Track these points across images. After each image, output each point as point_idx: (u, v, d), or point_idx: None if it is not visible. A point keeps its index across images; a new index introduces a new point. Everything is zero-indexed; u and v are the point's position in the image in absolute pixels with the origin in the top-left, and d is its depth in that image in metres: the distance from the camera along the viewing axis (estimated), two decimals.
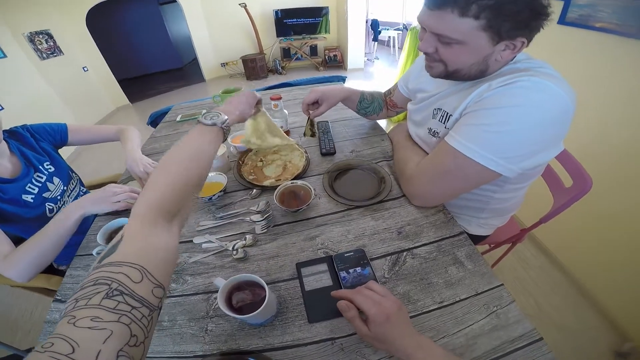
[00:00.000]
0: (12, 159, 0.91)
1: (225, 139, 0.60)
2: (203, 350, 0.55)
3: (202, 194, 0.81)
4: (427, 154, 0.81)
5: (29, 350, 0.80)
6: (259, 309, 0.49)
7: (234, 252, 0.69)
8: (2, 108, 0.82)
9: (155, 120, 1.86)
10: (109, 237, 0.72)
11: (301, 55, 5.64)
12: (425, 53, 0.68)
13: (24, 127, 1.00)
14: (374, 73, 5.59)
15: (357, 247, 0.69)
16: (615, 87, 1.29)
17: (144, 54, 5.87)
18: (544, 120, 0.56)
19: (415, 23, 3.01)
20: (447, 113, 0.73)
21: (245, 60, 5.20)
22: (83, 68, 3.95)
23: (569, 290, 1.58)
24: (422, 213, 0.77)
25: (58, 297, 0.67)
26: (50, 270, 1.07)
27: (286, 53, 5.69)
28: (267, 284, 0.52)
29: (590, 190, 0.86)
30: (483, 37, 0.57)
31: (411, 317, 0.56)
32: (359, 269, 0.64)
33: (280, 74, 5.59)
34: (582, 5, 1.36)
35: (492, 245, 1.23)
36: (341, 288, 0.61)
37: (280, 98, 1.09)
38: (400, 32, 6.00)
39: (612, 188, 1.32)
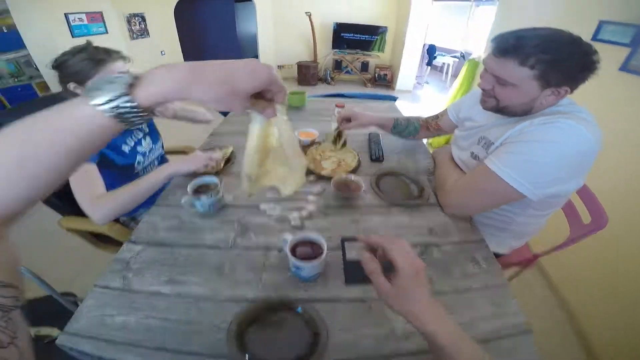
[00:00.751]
0: None
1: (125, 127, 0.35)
2: (255, 296, 0.66)
3: None
4: (465, 173, 0.94)
5: (66, 294, 0.95)
6: (318, 260, 0.64)
7: (294, 220, 0.86)
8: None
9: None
10: (196, 190, 0.88)
11: (351, 70, 5.86)
12: (483, 89, 0.82)
13: None
14: (421, 97, 5.67)
15: (394, 234, 0.83)
16: None
17: (212, 46, 6.37)
18: (569, 157, 0.68)
19: (474, 54, 3.11)
20: (490, 141, 0.86)
21: (300, 66, 5.53)
22: (161, 52, 4.45)
23: (564, 327, 1.61)
24: (452, 220, 0.90)
25: (132, 240, 0.80)
26: None
27: (337, 65, 5.95)
28: None
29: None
30: (534, 84, 0.70)
31: None
32: None
33: (329, 84, 5.84)
34: None
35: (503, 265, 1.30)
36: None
37: (343, 106, 1.27)
38: (457, 59, 6.04)
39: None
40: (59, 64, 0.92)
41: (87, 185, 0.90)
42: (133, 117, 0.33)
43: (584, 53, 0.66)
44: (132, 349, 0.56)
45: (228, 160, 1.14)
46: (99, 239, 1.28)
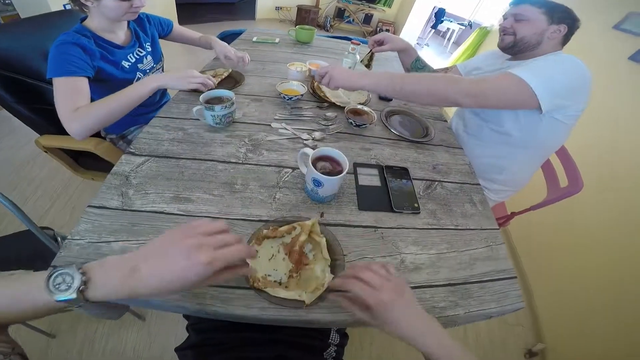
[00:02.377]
0: (127, 33, 1.08)
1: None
2: (269, 216, 0.63)
3: (283, 92, 0.97)
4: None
5: (45, 228, 0.83)
6: (340, 176, 0.62)
7: (307, 141, 0.86)
8: None
9: (223, 39, 1.97)
10: (208, 101, 0.83)
11: (353, 20, 5.56)
12: (503, 30, 0.99)
13: (142, 13, 1.16)
14: None
15: (402, 166, 0.86)
16: None
17: None
18: (579, 69, 0.80)
19: (484, 23, 3.01)
20: None
21: (300, 10, 5.17)
22: None
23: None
24: (453, 160, 0.94)
25: (131, 150, 0.74)
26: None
27: (340, 13, 5.61)
28: None
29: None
30: (543, 18, 0.91)
31: (434, 229, 0.70)
32: (403, 181, 0.81)
33: (327, 30, 5.54)
34: None
35: None
36: (388, 191, 0.76)
37: (359, 44, 1.23)
38: (463, 27, 5.85)
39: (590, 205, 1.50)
40: None
41: (71, 97, 0.85)
42: (80, 306, 0.35)
43: (568, 8, 0.92)
44: None
45: (237, 82, 1.10)
46: (80, 162, 1.22)
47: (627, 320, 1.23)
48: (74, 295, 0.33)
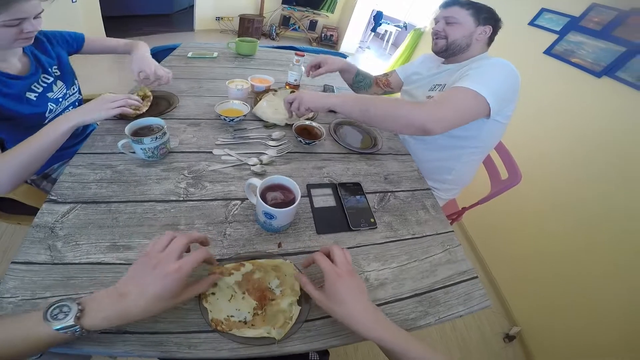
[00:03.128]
0: (23, 59, 0.91)
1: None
2: (221, 254, 0.59)
3: (224, 114, 0.91)
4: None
5: None
6: (292, 207, 0.59)
7: (254, 166, 0.80)
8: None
9: (154, 55, 1.82)
10: (136, 133, 0.75)
11: (299, 27, 5.58)
12: (435, 33, 1.03)
13: (41, 32, 0.99)
14: (361, 61, 5.73)
15: (355, 181, 0.84)
16: (573, 118, 1.58)
17: None
18: (513, 74, 0.85)
19: (418, 25, 3.18)
20: (444, 85, 1.00)
21: (243, 19, 5.02)
22: (72, 0, 3.58)
23: (480, 274, 1.88)
24: (402, 169, 0.95)
25: (53, 197, 0.64)
26: None
27: (285, 21, 5.59)
28: None
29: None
30: (470, 20, 0.96)
31: (392, 241, 0.71)
32: (357, 197, 0.79)
33: (273, 39, 5.49)
34: (571, 42, 1.63)
35: None
36: (344, 210, 0.75)
37: (304, 55, 1.20)
38: (399, 29, 6.18)
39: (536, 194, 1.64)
40: None
41: None
42: (84, 335, 0.39)
43: (491, 8, 0.98)
44: (86, 337, 0.43)
45: (170, 104, 1.00)
46: (2, 208, 1.03)
47: (590, 289, 1.35)
48: (71, 322, 0.36)
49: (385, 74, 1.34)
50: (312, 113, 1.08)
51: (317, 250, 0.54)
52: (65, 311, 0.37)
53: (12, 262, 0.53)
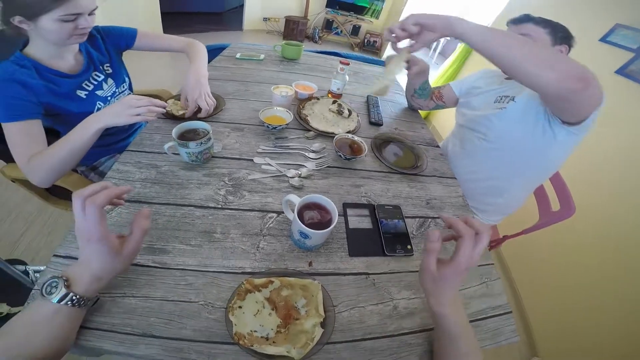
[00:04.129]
0: (77, 56, 0.93)
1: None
2: (252, 267, 0.59)
3: (267, 121, 0.90)
4: None
5: (13, 261, 0.78)
6: (328, 229, 0.57)
7: (292, 179, 0.79)
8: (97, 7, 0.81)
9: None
10: (182, 136, 0.75)
11: (341, 31, 5.57)
12: None
13: (95, 28, 1.01)
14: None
15: (395, 203, 0.80)
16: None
17: None
18: None
19: None
20: (511, 96, 0.96)
21: (289, 21, 5.12)
22: None
23: (510, 300, 1.80)
24: (446, 193, 0.90)
25: None
26: None
27: (328, 24, 5.61)
28: None
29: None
30: (547, 39, 0.88)
31: None
32: (395, 221, 0.75)
33: (316, 42, 5.54)
34: None
35: None
36: (380, 234, 0.72)
37: (348, 64, 1.17)
38: (448, 38, 5.96)
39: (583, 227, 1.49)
40: None
41: (22, 144, 0.76)
42: (85, 303, 0.43)
43: (566, 27, 0.90)
44: (111, 336, 0.47)
45: (217, 107, 1.02)
46: (51, 191, 1.11)
47: (621, 334, 1.23)
48: (64, 290, 0.41)
49: (438, 87, 1.28)
50: (355, 124, 1.05)
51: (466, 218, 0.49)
52: (54, 285, 0.41)
53: (54, 255, 0.55)
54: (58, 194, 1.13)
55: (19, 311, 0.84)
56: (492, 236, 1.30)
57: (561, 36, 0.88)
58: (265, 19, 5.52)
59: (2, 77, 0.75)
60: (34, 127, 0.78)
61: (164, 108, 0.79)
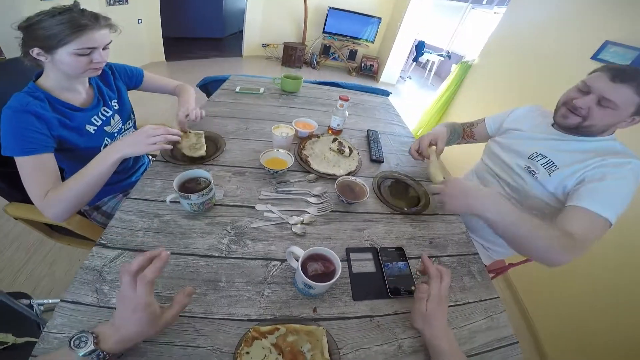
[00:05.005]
0: (89, 91, 0.95)
1: None
2: (258, 315, 0.60)
3: (268, 166, 0.91)
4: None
5: (16, 294, 0.80)
6: (331, 281, 0.58)
7: (295, 226, 0.78)
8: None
9: (205, 85, 1.94)
10: (182, 186, 0.75)
11: (338, 56, 5.74)
12: (573, 107, 0.86)
13: (107, 64, 1.04)
14: (403, 92, 5.70)
15: (398, 245, 0.80)
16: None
17: (193, 17, 5.92)
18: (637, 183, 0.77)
19: (466, 57, 3.11)
20: (554, 164, 0.89)
21: (287, 47, 5.29)
22: (138, 20, 3.99)
23: (519, 322, 1.79)
24: (449, 231, 0.90)
25: (103, 242, 0.67)
26: None
27: (326, 50, 5.79)
28: None
29: None
30: (631, 110, 0.78)
31: None
32: (399, 264, 0.75)
33: (314, 68, 5.70)
34: None
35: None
36: (384, 276, 0.71)
37: (348, 100, 1.19)
38: (442, 58, 6.14)
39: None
40: (31, 24, 0.74)
41: (37, 179, 0.77)
42: (109, 359, 0.45)
43: None
44: None
45: (217, 148, 1.03)
46: (54, 229, 1.12)
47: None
48: (92, 347, 0.43)
49: (472, 124, 1.26)
50: (357, 164, 1.06)
51: (432, 262, 0.65)
52: (84, 340, 0.44)
53: (62, 300, 0.56)
54: (60, 230, 1.13)
55: (25, 341, 0.92)
56: (497, 264, 1.28)
57: None
58: (264, 45, 5.70)
59: (17, 109, 0.76)
60: (48, 162, 0.79)
61: (179, 136, 0.87)
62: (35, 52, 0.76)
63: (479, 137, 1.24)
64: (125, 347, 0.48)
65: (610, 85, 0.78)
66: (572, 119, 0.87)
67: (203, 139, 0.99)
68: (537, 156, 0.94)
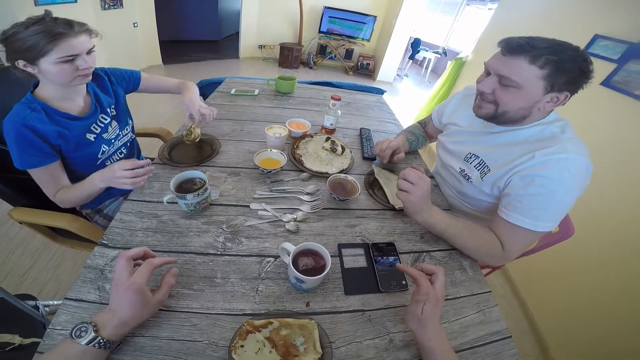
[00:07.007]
0: (86, 99, 0.95)
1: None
2: (252, 309, 0.62)
3: (262, 166, 0.93)
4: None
5: (22, 296, 0.84)
6: (322, 274, 0.60)
7: (288, 224, 0.81)
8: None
9: (201, 88, 1.97)
10: (179, 187, 0.78)
11: (335, 56, 5.76)
12: (480, 94, 0.81)
13: (102, 69, 1.05)
14: (400, 90, 5.71)
15: (389, 240, 0.82)
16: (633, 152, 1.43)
17: (189, 19, 5.95)
18: (579, 190, 0.72)
19: (462, 54, 3.13)
20: (486, 166, 0.87)
21: (283, 48, 5.31)
22: (134, 24, 4.02)
23: (519, 316, 1.81)
24: None
25: (104, 242, 0.70)
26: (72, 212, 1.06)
27: (322, 50, 5.81)
28: None
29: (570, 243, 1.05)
30: (539, 85, 0.70)
31: None
32: (390, 258, 0.77)
33: (311, 68, 5.72)
34: (632, 71, 1.48)
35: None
36: (375, 271, 0.73)
37: (339, 99, 1.21)
38: (439, 55, 6.15)
39: (590, 244, 1.50)
40: (7, 38, 0.75)
41: (47, 184, 0.90)
42: (110, 346, 0.48)
43: (584, 59, 0.68)
44: None
45: (213, 150, 1.06)
46: (58, 232, 1.15)
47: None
48: (93, 334, 0.46)
49: (424, 123, 1.27)
50: (349, 162, 1.08)
51: (420, 265, 0.62)
52: (84, 329, 0.47)
53: (65, 298, 0.58)
54: (63, 234, 1.16)
55: (31, 342, 0.99)
56: None
57: (565, 81, 0.68)
58: (260, 47, 5.73)
59: (15, 122, 0.79)
60: (55, 169, 0.89)
61: (151, 169, 0.82)
62: (21, 64, 0.78)
63: (433, 133, 1.22)
64: (123, 333, 0.51)
65: (502, 60, 0.73)
66: (485, 108, 0.80)
67: (199, 130, 1.05)
68: (470, 157, 0.92)
